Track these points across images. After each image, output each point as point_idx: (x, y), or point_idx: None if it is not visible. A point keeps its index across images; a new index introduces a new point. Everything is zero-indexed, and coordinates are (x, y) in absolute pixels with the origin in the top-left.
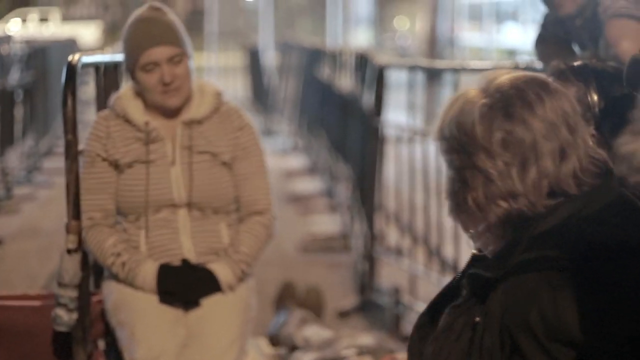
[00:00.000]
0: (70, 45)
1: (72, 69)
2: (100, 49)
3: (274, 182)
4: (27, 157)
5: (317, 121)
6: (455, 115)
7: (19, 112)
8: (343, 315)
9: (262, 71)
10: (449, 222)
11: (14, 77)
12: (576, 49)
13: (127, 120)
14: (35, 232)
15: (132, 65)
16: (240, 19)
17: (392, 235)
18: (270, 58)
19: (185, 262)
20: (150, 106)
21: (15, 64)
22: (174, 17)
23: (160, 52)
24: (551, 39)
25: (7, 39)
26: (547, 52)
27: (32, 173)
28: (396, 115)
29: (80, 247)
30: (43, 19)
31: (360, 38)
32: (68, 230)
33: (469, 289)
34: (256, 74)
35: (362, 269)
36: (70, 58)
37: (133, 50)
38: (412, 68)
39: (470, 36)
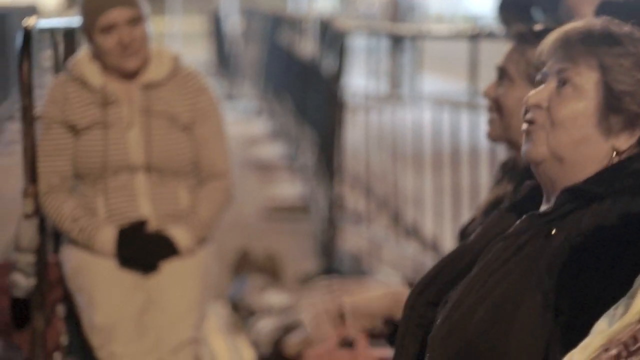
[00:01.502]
0: (31, 11)
1: (27, 34)
2: (61, 13)
3: (237, 148)
4: None
5: (281, 86)
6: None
7: None
8: (304, 281)
9: (225, 36)
10: (410, 187)
11: None
12: (538, 14)
13: (84, 84)
14: None
15: (90, 27)
16: None
17: (357, 201)
18: (234, 23)
19: (143, 226)
20: (108, 69)
21: None
22: None
23: (118, 14)
24: (513, 4)
25: None
26: (509, 17)
27: None
28: (360, 81)
29: (38, 212)
30: None
31: (324, 4)
32: (25, 194)
33: (560, 202)
34: (219, 39)
35: (323, 235)
36: (25, 23)
37: (91, 13)
38: (373, 33)
39: (434, 1)
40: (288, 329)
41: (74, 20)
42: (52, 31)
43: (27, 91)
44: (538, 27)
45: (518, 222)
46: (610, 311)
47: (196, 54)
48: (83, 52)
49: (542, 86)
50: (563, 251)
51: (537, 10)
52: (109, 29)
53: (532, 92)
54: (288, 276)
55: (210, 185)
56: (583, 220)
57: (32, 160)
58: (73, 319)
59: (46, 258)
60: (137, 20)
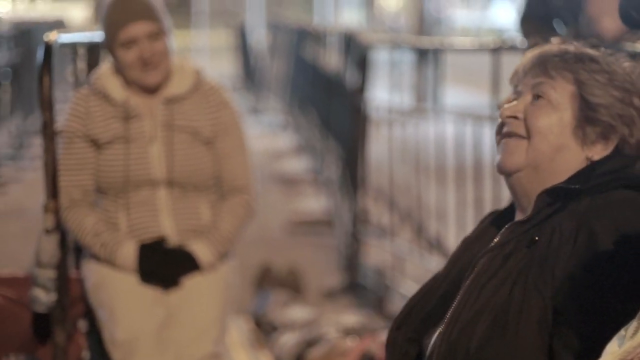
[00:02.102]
0: (58, 25)
1: (48, 48)
2: (88, 28)
3: (262, 162)
4: (14, 137)
5: (306, 100)
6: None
7: (6, 92)
8: (329, 295)
9: (250, 50)
10: (433, 200)
11: (1, 57)
12: (559, 26)
13: (106, 98)
14: (20, 212)
15: (111, 42)
16: None
17: (381, 215)
18: (260, 37)
19: (164, 241)
20: (130, 83)
21: (1, 45)
22: None
23: (138, 28)
24: (534, 16)
25: None
26: (530, 29)
27: (20, 152)
28: (384, 94)
29: (59, 227)
30: None
31: (351, 17)
32: (45, 210)
33: (539, 206)
34: (245, 53)
35: (347, 249)
36: (46, 37)
37: (111, 27)
38: (396, 47)
39: (460, 15)
40: (310, 344)
41: (95, 34)
42: (74, 46)
43: (47, 106)
44: (554, 40)
45: (500, 232)
46: (621, 332)
47: (222, 68)
48: (105, 66)
49: (515, 101)
50: (550, 255)
51: (558, 23)
52: (129, 43)
53: (506, 105)
54: (311, 290)
55: (232, 200)
56: (564, 222)
57: (53, 175)
58: (94, 334)
59: (67, 273)
60: (158, 34)
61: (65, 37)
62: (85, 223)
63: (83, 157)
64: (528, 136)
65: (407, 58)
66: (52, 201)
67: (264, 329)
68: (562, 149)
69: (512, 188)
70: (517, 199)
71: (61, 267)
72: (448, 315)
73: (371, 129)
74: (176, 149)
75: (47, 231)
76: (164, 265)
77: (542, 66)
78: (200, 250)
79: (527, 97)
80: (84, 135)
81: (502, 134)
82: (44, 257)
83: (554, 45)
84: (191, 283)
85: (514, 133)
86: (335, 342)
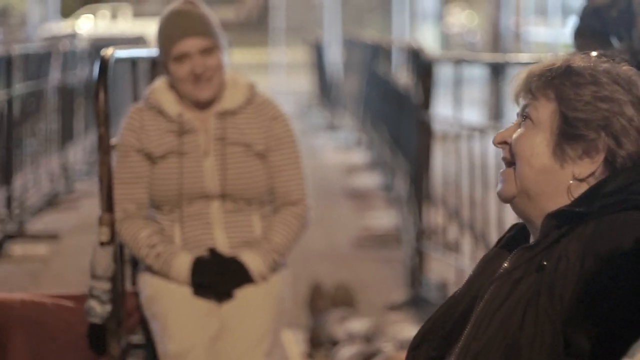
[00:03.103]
0: (138, 42)
1: (104, 64)
2: None
3: (336, 177)
4: (88, 152)
5: (378, 116)
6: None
7: (81, 107)
8: (392, 309)
9: (326, 66)
10: (494, 214)
11: (77, 73)
12: (614, 40)
13: (161, 112)
14: (92, 227)
15: (165, 57)
16: (308, 15)
17: (444, 229)
18: (336, 53)
19: (217, 253)
20: (184, 98)
21: (78, 61)
22: (207, 10)
23: (191, 44)
24: (588, 31)
25: (72, 36)
26: (584, 44)
27: (94, 167)
28: (452, 111)
29: (114, 240)
30: (114, 16)
31: (427, 34)
32: (100, 222)
33: (545, 230)
34: (321, 69)
35: (412, 264)
36: (103, 52)
37: (165, 42)
38: (459, 62)
39: (536, 31)
40: (367, 357)
41: (152, 50)
42: (133, 61)
43: (103, 120)
44: (594, 53)
45: (509, 258)
46: None
47: (298, 85)
48: (160, 80)
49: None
50: (558, 282)
51: (613, 38)
52: (181, 58)
53: (498, 132)
54: (375, 304)
55: (285, 212)
56: (570, 247)
57: (108, 188)
58: (150, 347)
59: (122, 286)
60: (211, 50)
61: (122, 53)
62: (139, 235)
63: (137, 171)
64: (515, 161)
65: (478, 73)
66: (107, 214)
67: (323, 342)
68: (545, 170)
69: (517, 214)
70: (527, 224)
71: (116, 280)
72: (459, 344)
73: (438, 145)
74: (229, 162)
75: (102, 243)
76: (216, 277)
77: (527, 88)
78: (253, 262)
79: (518, 121)
80: (138, 150)
81: (502, 159)
82: (99, 269)
83: (541, 64)
84: (243, 294)
85: (505, 159)
86: (390, 355)
